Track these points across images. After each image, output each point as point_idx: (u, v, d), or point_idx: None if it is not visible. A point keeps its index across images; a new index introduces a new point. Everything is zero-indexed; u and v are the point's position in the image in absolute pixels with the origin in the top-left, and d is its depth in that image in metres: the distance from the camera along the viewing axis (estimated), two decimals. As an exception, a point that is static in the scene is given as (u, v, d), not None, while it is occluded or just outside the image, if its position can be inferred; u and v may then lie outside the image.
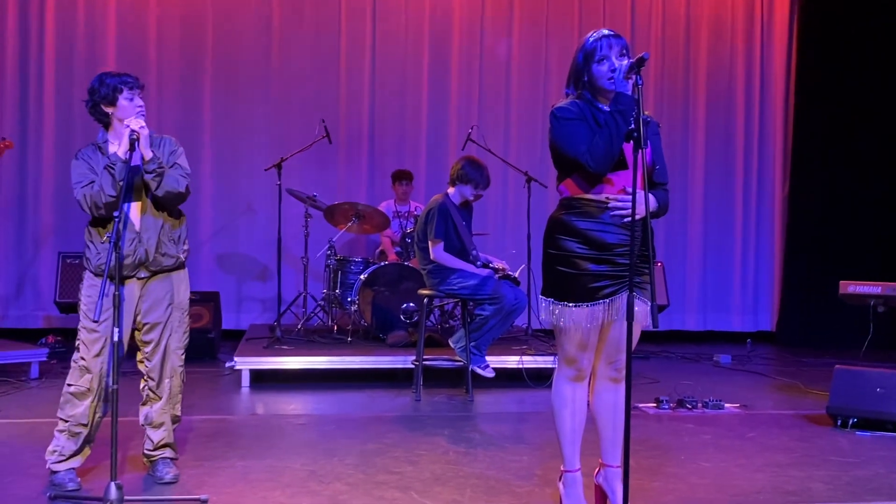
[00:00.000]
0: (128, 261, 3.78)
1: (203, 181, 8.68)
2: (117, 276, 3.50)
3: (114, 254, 3.42)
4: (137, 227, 3.81)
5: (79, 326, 3.85)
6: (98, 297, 3.42)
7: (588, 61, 3.22)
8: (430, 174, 8.94)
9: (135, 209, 3.82)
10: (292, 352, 6.60)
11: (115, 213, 3.46)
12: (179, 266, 3.98)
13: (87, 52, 8.54)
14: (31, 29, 8.48)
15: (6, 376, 6.31)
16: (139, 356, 3.98)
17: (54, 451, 3.84)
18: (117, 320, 3.49)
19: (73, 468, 3.85)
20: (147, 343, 3.93)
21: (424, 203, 7.47)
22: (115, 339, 3.48)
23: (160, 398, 3.96)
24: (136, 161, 3.71)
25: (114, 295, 3.48)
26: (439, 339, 7.01)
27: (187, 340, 4.04)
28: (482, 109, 9.15)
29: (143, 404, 4.00)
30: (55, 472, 3.82)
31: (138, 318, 3.89)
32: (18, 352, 6.58)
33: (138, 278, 3.85)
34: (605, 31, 3.25)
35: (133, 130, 3.65)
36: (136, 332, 3.94)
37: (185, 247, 4.01)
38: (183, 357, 4.02)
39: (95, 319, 3.48)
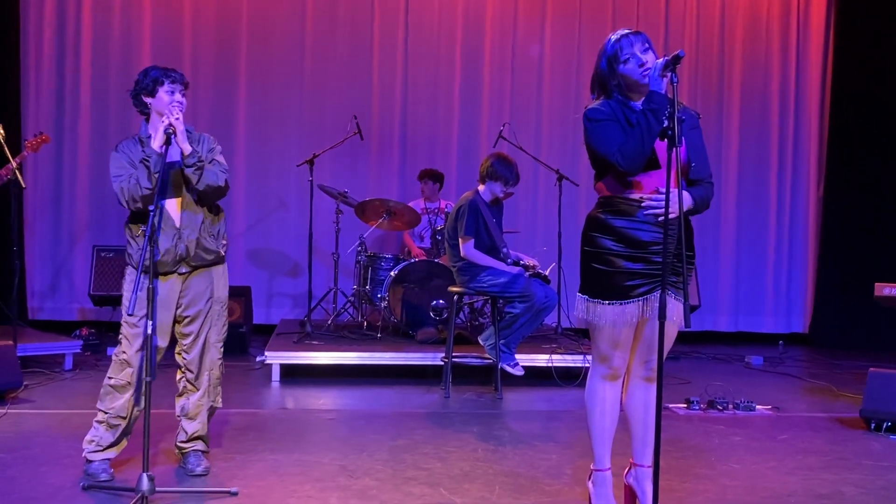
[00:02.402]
0: (168, 257, 3.81)
1: (236, 177, 8.73)
2: (151, 271, 3.53)
3: (149, 248, 3.45)
4: (178, 224, 3.84)
5: (122, 321, 3.89)
6: (133, 290, 3.45)
7: (613, 65, 3.21)
8: (462, 171, 8.94)
9: (174, 205, 3.84)
10: (322, 347, 6.64)
11: (151, 208, 3.48)
12: (219, 261, 4.01)
13: (122, 48, 8.62)
14: (68, 25, 8.57)
15: (41, 367, 6.39)
16: (177, 348, 4.02)
17: (92, 441, 3.89)
18: (151, 314, 3.52)
19: (108, 459, 3.90)
20: (187, 335, 3.96)
21: (455, 200, 7.46)
22: (148, 332, 3.52)
23: (198, 390, 3.99)
24: (174, 157, 3.74)
25: (148, 289, 3.51)
26: (469, 336, 7.02)
27: (226, 333, 4.08)
28: (514, 107, 9.12)
29: (180, 395, 4.04)
30: (90, 462, 3.87)
31: (179, 311, 3.93)
32: (53, 343, 6.65)
33: (179, 273, 3.89)
34: (623, 31, 3.23)
35: (169, 124, 3.68)
36: (177, 325, 3.97)
37: (224, 241, 4.04)
38: (222, 350, 4.06)
39: (130, 313, 3.51)
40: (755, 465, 4.34)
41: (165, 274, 3.85)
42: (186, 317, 3.94)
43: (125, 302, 3.85)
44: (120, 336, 3.87)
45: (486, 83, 9.13)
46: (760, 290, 9.39)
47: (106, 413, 3.87)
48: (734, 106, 9.37)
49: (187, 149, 3.76)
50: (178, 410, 4.05)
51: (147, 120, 3.91)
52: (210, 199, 3.93)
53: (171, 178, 3.81)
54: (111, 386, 3.86)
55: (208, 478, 3.92)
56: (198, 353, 3.97)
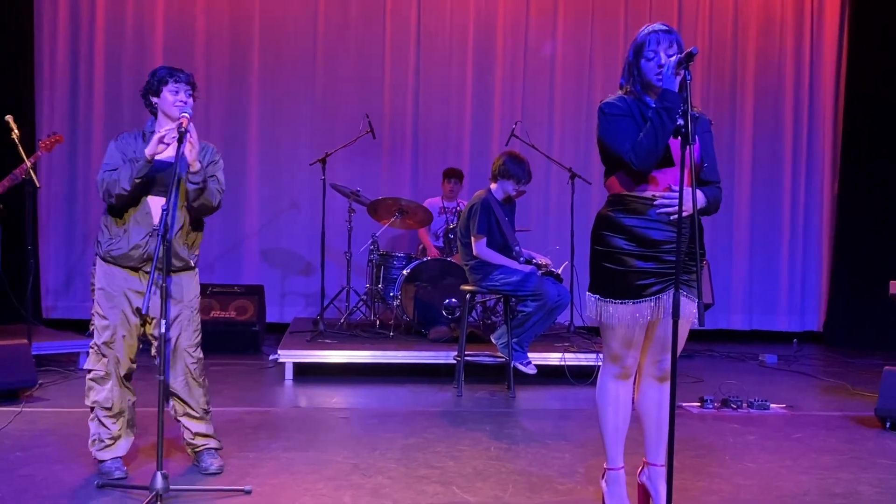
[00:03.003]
0: (136, 252, 3.77)
1: (249, 176, 8.77)
2: (165, 270, 3.52)
3: (162, 246, 3.44)
4: (155, 222, 3.76)
5: (92, 311, 3.88)
6: (147, 290, 3.44)
7: (637, 56, 3.20)
8: (474, 170, 8.91)
9: (158, 204, 3.75)
10: (335, 346, 6.64)
11: (163, 207, 3.46)
12: (187, 268, 3.95)
13: (135, 49, 8.64)
14: (82, 27, 8.60)
15: (55, 366, 6.43)
16: (152, 351, 3.92)
17: (94, 441, 3.91)
18: (163, 313, 3.52)
19: (119, 457, 3.90)
20: (156, 338, 3.85)
21: (468, 199, 7.46)
22: (162, 330, 3.51)
23: (176, 394, 3.93)
24: (174, 158, 3.63)
25: (161, 287, 3.51)
26: (481, 334, 7.01)
27: (199, 339, 3.98)
28: (526, 105, 9.11)
29: (166, 399, 4.00)
30: (102, 461, 3.88)
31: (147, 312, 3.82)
32: (67, 342, 6.70)
33: (145, 272, 3.82)
34: (657, 26, 3.22)
35: (183, 130, 3.55)
36: (147, 326, 3.90)
37: (196, 252, 3.99)
38: (195, 353, 3.96)
39: (144, 312, 3.51)
40: (769, 464, 4.32)
41: (132, 269, 3.81)
42: (154, 317, 3.82)
43: (95, 297, 3.86)
44: (91, 328, 3.89)
45: (498, 81, 9.11)
46: (774, 289, 9.35)
47: (93, 408, 3.88)
48: (747, 105, 9.33)
49: (196, 166, 3.71)
50: (172, 413, 4.01)
51: (156, 117, 3.90)
52: (198, 214, 3.91)
53: (164, 178, 3.72)
54: (91, 379, 3.88)
55: (222, 476, 3.92)
56: (169, 357, 3.88)
